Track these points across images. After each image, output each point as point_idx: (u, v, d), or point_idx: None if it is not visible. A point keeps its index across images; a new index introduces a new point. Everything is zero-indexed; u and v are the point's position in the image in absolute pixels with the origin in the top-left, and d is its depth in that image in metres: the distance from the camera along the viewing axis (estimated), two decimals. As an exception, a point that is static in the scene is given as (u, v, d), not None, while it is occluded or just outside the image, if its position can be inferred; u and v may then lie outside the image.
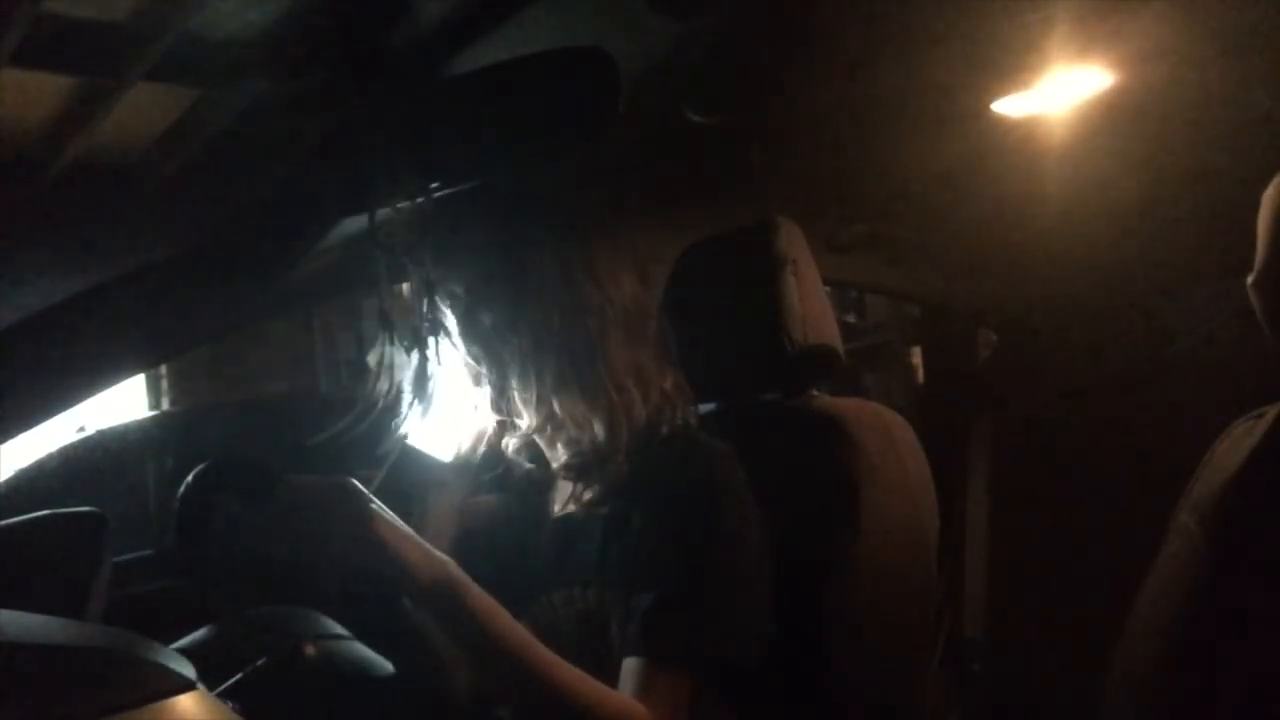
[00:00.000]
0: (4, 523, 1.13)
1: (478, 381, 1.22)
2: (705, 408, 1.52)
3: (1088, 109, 1.46)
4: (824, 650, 1.29)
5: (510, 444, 1.27)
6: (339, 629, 1.12)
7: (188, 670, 0.76)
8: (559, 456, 1.25)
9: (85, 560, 1.10)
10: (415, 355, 1.08)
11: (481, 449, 1.28)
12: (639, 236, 1.78)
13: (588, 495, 1.22)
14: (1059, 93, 1.41)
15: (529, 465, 1.30)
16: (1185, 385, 2.24)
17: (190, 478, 1.03)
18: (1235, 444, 1.09)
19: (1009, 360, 2.59)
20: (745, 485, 1.18)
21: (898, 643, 1.43)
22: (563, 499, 1.27)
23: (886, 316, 3.95)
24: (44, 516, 1.14)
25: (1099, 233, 1.96)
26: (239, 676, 0.93)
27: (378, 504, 0.99)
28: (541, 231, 1.20)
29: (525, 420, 1.22)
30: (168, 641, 0.94)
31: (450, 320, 1.19)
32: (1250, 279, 1.08)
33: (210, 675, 0.86)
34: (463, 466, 1.28)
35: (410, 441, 1.18)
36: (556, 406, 1.19)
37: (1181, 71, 1.37)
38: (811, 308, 1.42)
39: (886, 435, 1.43)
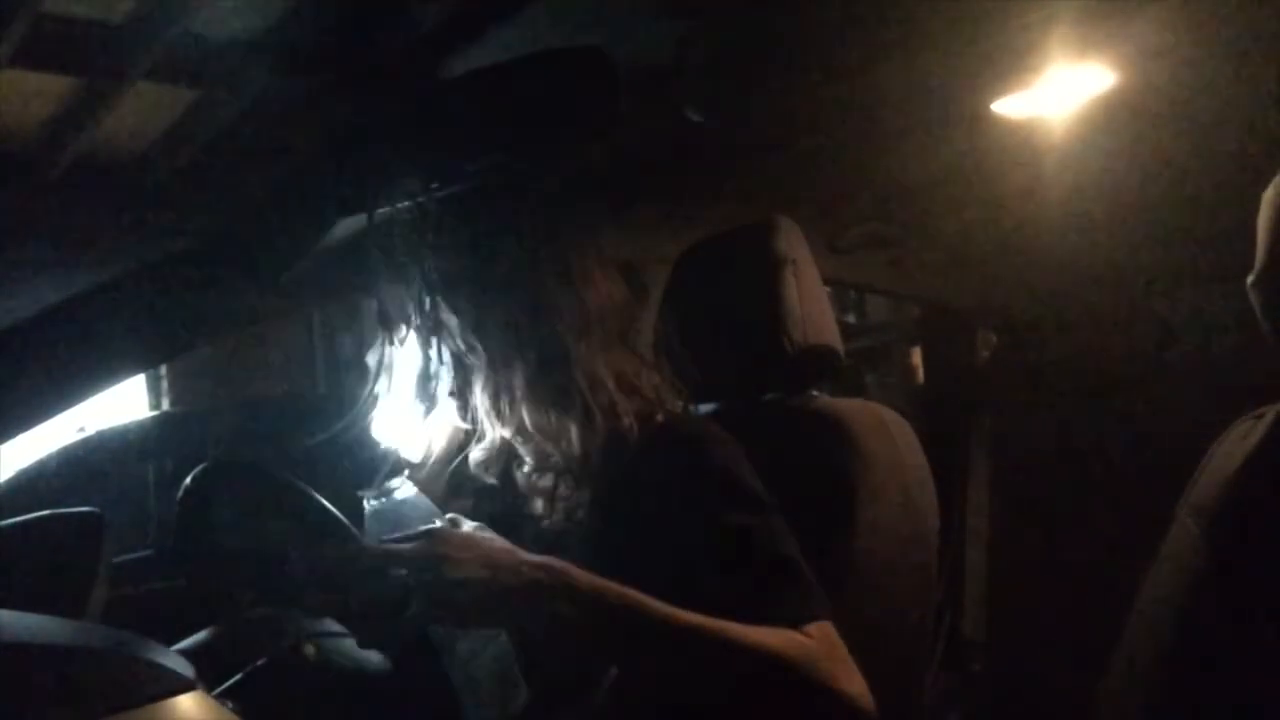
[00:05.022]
0: (4, 523, 1.13)
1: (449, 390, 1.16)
2: (705, 408, 1.52)
3: (1088, 109, 1.46)
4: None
5: (474, 457, 1.19)
6: (338, 628, 1.12)
7: (188, 670, 0.76)
8: (526, 469, 1.19)
9: (85, 560, 1.10)
10: (413, 353, 1.07)
11: (454, 449, 1.21)
12: (640, 236, 1.78)
13: (562, 504, 1.14)
14: (1059, 93, 1.41)
15: (491, 481, 1.22)
16: (1185, 385, 2.24)
17: (190, 478, 1.03)
18: (1235, 444, 1.09)
19: (1009, 360, 2.59)
20: (740, 456, 1.11)
21: (897, 643, 1.43)
22: (540, 505, 1.19)
23: (886, 316, 3.95)
24: (44, 516, 1.14)
25: (1099, 233, 1.96)
26: (239, 677, 0.93)
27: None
28: (506, 229, 1.12)
29: (491, 434, 1.16)
30: (168, 642, 0.94)
31: (451, 320, 1.13)
32: (1250, 279, 1.08)
33: (210, 675, 0.86)
34: (437, 467, 1.21)
35: (377, 436, 1.13)
36: (526, 418, 1.12)
37: (1181, 71, 1.37)
38: (811, 308, 1.42)
39: (886, 435, 1.43)
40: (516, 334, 1.10)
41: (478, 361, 1.11)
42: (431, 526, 0.93)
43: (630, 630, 0.93)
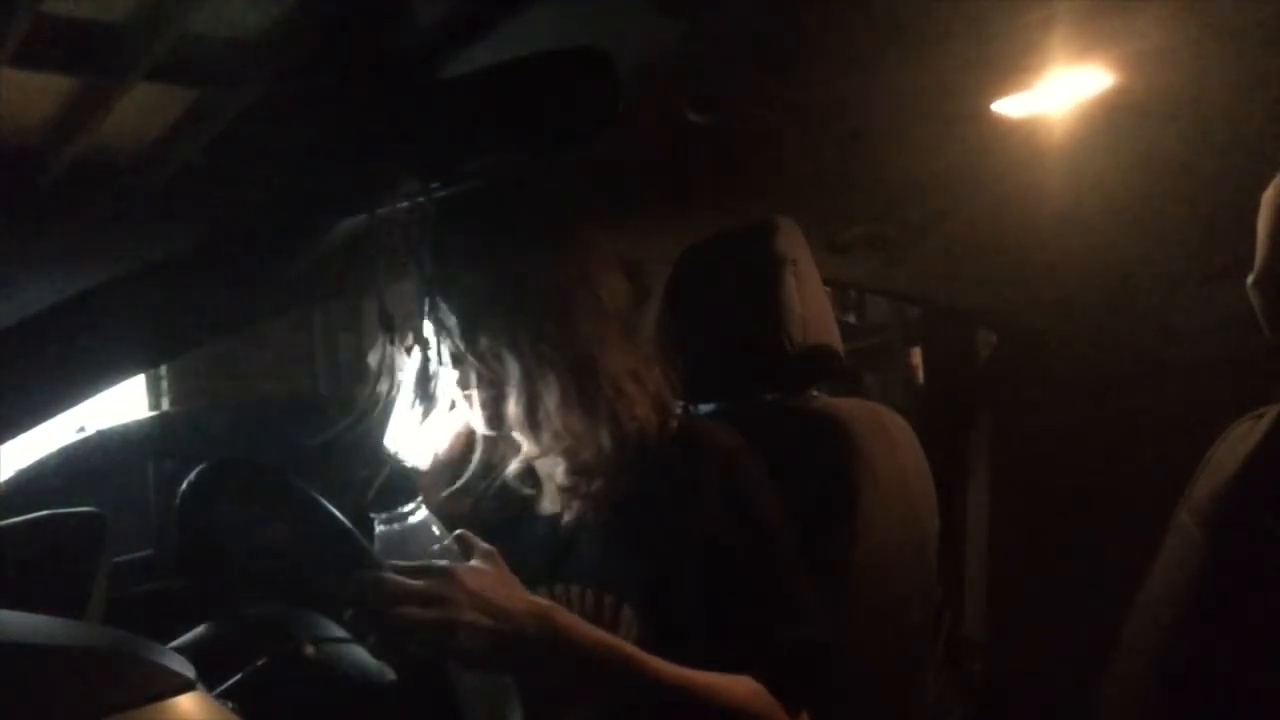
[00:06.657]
0: (4, 523, 1.13)
1: (470, 405, 1.17)
2: (705, 408, 1.52)
3: (1088, 109, 1.46)
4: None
5: (511, 469, 1.21)
6: (339, 632, 1.12)
7: (187, 670, 0.76)
8: (557, 471, 1.19)
9: (85, 560, 1.09)
10: (416, 356, 1.07)
11: (459, 455, 1.23)
12: (639, 236, 1.78)
13: (578, 502, 1.17)
14: (1059, 93, 1.41)
15: (529, 492, 1.24)
16: (1185, 385, 2.24)
17: (190, 478, 1.03)
18: (1235, 444, 1.09)
19: (1009, 360, 2.59)
20: (757, 471, 1.16)
21: (897, 643, 1.43)
22: (550, 498, 1.22)
23: (886, 316, 3.95)
24: (44, 516, 1.14)
25: (1099, 233, 1.96)
26: (239, 676, 0.93)
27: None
28: (532, 239, 1.15)
29: (528, 447, 1.17)
30: (168, 642, 0.94)
31: (451, 320, 1.13)
32: (1250, 279, 1.08)
33: (210, 675, 0.86)
34: (442, 476, 1.21)
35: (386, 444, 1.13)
36: (560, 425, 1.14)
37: (1181, 71, 1.37)
38: (811, 308, 1.42)
39: (886, 435, 1.43)
40: (548, 345, 1.11)
41: (510, 376, 1.12)
42: (445, 564, 0.94)
43: (615, 684, 0.98)
